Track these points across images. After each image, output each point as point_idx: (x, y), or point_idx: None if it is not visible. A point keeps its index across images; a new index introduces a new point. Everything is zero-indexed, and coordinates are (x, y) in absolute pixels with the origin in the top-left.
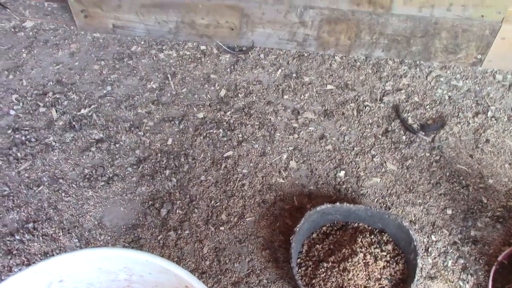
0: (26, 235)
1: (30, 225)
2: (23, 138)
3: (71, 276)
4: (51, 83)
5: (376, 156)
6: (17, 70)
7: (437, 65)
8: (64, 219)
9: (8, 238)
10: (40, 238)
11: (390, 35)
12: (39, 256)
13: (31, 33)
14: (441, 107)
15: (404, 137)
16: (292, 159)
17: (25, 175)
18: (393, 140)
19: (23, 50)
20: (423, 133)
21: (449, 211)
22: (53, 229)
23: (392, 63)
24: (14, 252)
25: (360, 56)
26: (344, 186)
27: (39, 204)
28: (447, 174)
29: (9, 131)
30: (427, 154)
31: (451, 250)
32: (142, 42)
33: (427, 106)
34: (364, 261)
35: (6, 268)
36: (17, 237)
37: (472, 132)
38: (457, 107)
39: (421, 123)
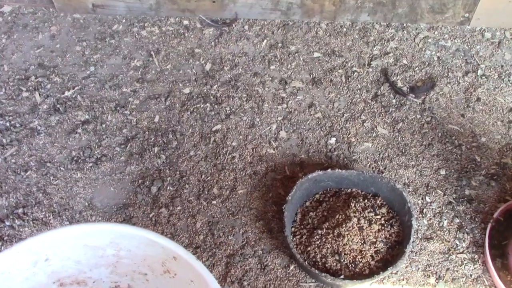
0: (16, 221)
1: (20, 210)
2: (8, 124)
3: (57, 254)
4: (33, 67)
5: (367, 121)
6: None
7: (424, 26)
8: (54, 203)
9: None
10: (31, 222)
11: None
12: None
13: (9, 17)
14: (430, 68)
15: (394, 101)
16: (282, 129)
17: (11, 160)
18: (383, 104)
19: (2, 36)
20: (413, 95)
21: (442, 172)
22: (43, 213)
23: (379, 27)
24: (5, 238)
25: (345, 21)
26: (335, 153)
27: (27, 189)
28: (439, 134)
29: None
30: (418, 116)
31: (446, 210)
32: (124, 20)
33: (416, 68)
34: (358, 225)
35: None
36: (7, 223)
37: (462, 92)
38: (446, 67)
39: (410, 85)
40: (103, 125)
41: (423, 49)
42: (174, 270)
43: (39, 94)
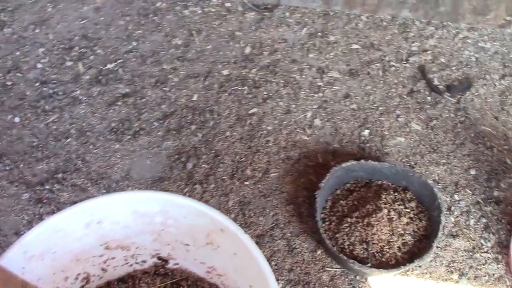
0: (55, 185)
1: (59, 175)
2: (51, 91)
3: (109, 218)
4: (77, 37)
5: (401, 116)
6: (43, 24)
7: (464, 26)
8: (92, 171)
9: (38, 188)
10: (69, 188)
11: None
12: (68, 205)
13: None
14: (468, 69)
15: (429, 98)
16: (316, 117)
17: (53, 127)
18: (418, 100)
19: (48, 4)
20: (449, 94)
21: (472, 172)
22: (82, 179)
23: (419, 23)
24: (44, 201)
25: (386, 16)
26: (368, 144)
27: (67, 155)
28: (472, 135)
29: (37, 84)
30: (452, 115)
31: (474, 210)
32: None
33: (454, 67)
34: (388, 217)
35: (37, 216)
36: (47, 187)
37: (498, 94)
38: (483, 69)
39: (447, 84)
40: (143, 100)
41: (462, 49)
42: (218, 242)
43: (82, 65)
